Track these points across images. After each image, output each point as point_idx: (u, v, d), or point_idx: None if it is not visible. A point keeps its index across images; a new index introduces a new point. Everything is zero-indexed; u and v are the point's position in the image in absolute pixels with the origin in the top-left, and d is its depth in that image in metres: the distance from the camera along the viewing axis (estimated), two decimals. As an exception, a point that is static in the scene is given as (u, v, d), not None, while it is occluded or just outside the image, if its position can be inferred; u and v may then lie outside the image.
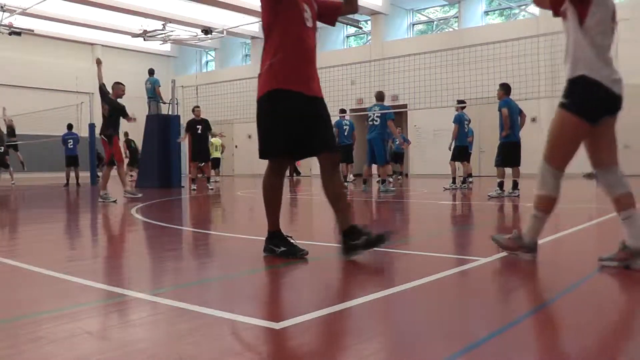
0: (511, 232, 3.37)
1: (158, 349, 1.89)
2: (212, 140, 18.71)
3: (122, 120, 9.37)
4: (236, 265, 3.62)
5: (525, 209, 7.40)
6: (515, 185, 9.09)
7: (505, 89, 9.34)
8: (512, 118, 9.19)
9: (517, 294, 2.69)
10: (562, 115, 3.05)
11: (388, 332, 2.12)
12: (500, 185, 9.09)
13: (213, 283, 3.09)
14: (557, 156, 3.12)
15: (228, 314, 2.23)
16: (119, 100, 9.29)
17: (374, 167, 10.91)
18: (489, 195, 9.09)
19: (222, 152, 18.56)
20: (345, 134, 13.20)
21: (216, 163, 18.28)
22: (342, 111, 13.28)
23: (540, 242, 4.25)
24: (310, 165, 23.61)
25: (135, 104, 17.53)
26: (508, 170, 9.29)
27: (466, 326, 2.15)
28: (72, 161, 15.89)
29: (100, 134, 9.36)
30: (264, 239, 3.60)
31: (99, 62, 9.50)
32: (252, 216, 7.72)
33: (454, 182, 11.78)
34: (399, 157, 16.13)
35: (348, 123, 13.36)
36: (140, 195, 9.64)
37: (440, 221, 6.48)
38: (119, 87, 9.28)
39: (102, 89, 9.27)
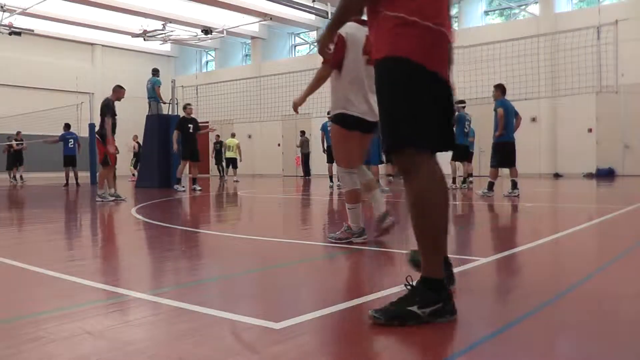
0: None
1: (158, 349, 1.89)
2: (227, 141, 18.85)
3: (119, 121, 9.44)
4: (236, 265, 3.62)
5: (526, 208, 7.40)
6: (514, 185, 9.08)
7: (501, 89, 9.33)
8: (507, 119, 9.17)
9: (517, 294, 2.69)
10: (334, 129, 4.05)
11: (388, 332, 2.12)
12: (490, 185, 9.07)
13: (213, 283, 3.09)
14: (343, 159, 4.01)
15: (228, 314, 2.23)
16: (117, 103, 9.35)
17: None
18: (476, 193, 9.11)
19: (239, 153, 18.92)
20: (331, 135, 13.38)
21: (233, 163, 18.67)
22: (329, 113, 13.38)
23: (540, 242, 4.26)
24: (311, 166, 23.63)
25: (135, 103, 17.59)
26: (504, 171, 9.28)
27: (466, 326, 2.15)
28: (70, 161, 15.94)
29: (96, 133, 9.38)
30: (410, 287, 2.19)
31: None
32: (252, 216, 7.73)
33: (454, 182, 11.77)
34: None
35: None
36: (111, 199, 8.99)
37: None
38: (121, 90, 9.28)
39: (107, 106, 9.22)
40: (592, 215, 6.52)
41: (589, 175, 17.19)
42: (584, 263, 3.51)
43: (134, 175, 19.56)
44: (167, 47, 28.36)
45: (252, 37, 25.55)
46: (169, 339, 2.01)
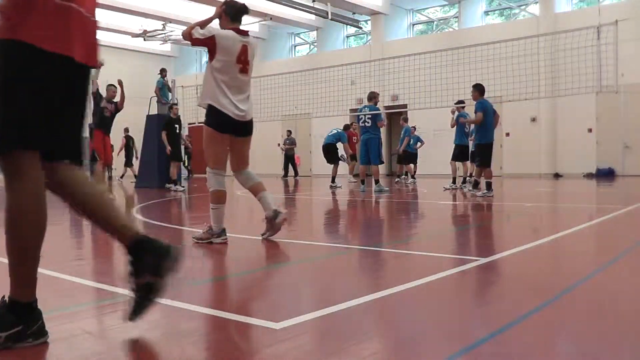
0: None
1: (158, 349, 1.89)
2: None
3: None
4: (236, 265, 3.62)
5: (526, 207, 7.41)
6: (476, 185, 9.07)
7: (479, 90, 9.33)
8: (487, 119, 9.17)
9: (517, 294, 2.69)
10: (205, 130, 4.15)
11: (388, 332, 2.12)
12: (488, 185, 9.05)
13: (213, 283, 3.09)
14: (211, 160, 4.17)
15: (228, 314, 2.23)
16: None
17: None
18: (476, 195, 9.08)
19: None
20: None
21: None
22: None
23: (540, 242, 4.26)
24: (311, 165, 23.65)
25: (135, 103, 17.50)
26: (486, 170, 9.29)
27: (466, 326, 2.15)
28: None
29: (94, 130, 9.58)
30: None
31: (120, 84, 9.41)
32: (252, 216, 7.72)
33: (454, 182, 11.77)
34: (412, 157, 16.15)
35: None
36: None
37: (440, 221, 6.47)
38: (112, 88, 9.53)
39: (98, 93, 9.45)
40: (592, 215, 6.52)
41: (589, 175, 17.19)
42: (584, 263, 3.51)
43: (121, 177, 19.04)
44: (167, 47, 28.32)
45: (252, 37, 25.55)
46: (169, 339, 2.01)
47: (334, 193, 11.07)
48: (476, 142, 9.35)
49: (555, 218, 6.72)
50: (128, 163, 18.72)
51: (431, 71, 11.74)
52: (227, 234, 4.27)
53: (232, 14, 4.25)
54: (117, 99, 9.47)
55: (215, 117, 4.06)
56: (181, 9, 21.83)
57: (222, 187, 4.22)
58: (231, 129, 4.10)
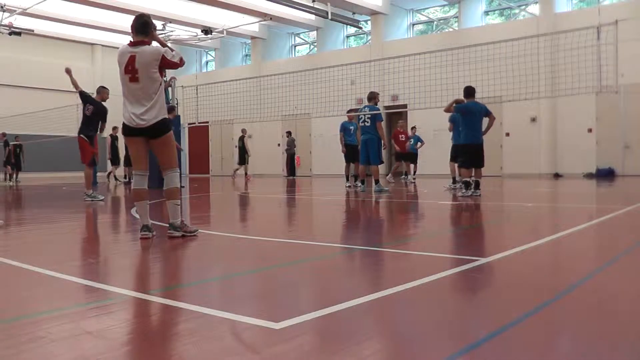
0: None
1: (158, 349, 1.89)
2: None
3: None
4: (236, 265, 3.62)
5: (526, 207, 7.41)
6: (477, 185, 9.07)
7: (466, 92, 9.40)
8: (473, 119, 9.17)
9: (517, 294, 2.69)
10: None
11: (388, 332, 2.12)
12: (466, 184, 9.05)
13: (213, 283, 3.09)
14: (132, 161, 4.72)
15: (228, 314, 2.23)
16: (103, 103, 9.60)
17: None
18: (459, 195, 9.05)
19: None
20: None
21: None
22: (349, 111, 13.30)
23: (540, 242, 4.26)
24: (311, 165, 23.64)
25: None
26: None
27: (466, 326, 2.15)
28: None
29: (79, 134, 9.49)
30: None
31: (68, 72, 9.46)
32: (252, 216, 7.72)
33: (454, 182, 11.76)
34: (413, 157, 16.11)
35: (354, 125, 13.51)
36: (101, 198, 9.39)
37: (440, 221, 6.48)
38: (105, 90, 9.59)
39: (83, 94, 9.52)
40: (592, 215, 6.52)
41: (589, 175, 17.19)
42: (584, 263, 3.51)
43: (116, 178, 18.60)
44: (167, 47, 28.34)
45: (252, 37, 25.53)
46: (168, 339, 2.01)
47: (348, 193, 11.06)
48: (461, 142, 9.36)
49: (555, 218, 6.72)
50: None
51: (431, 71, 11.74)
52: (228, 234, 4.27)
53: (131, 26, 4.58)
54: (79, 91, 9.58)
55: (123, 126, 4.56)
56: (181, 9, 21.85)
57: (139, 187, 4.62)
58: (132, 135, 4.50)
